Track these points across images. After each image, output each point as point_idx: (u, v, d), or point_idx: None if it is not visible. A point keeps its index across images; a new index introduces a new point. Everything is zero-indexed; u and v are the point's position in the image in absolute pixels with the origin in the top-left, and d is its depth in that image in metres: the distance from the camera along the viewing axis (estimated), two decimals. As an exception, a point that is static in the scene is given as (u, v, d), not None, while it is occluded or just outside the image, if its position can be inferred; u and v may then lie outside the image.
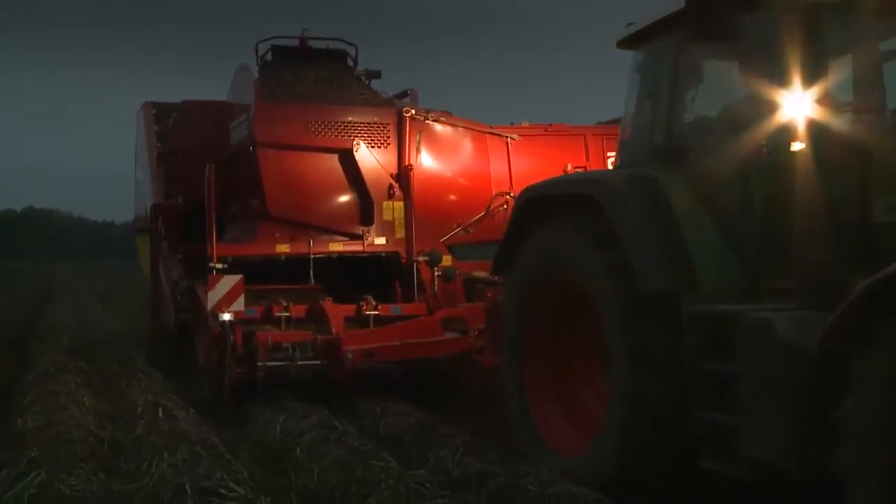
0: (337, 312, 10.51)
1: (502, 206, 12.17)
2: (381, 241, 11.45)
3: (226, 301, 10.09)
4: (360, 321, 10.72)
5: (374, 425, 8.91)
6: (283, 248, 11.19)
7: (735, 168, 6.07)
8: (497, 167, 12.34)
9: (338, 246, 11.35)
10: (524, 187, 7.72)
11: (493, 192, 12.24)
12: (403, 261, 11.50)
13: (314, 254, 11.20)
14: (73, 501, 6.11)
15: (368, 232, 11.41)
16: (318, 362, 10.04)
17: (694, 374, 5.67)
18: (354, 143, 11.27)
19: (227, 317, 9.99)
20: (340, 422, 8.53)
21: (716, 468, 5.51)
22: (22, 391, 10.65)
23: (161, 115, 15.44)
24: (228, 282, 10.21)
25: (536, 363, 7.31)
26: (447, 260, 11.59)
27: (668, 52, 6.65)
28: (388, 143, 11.58)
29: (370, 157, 11.37)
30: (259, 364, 9.82)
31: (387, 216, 11.44)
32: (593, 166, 12.58)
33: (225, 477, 6.39)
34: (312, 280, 11.14)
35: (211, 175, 10.93)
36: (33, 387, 10.70)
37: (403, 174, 11.52)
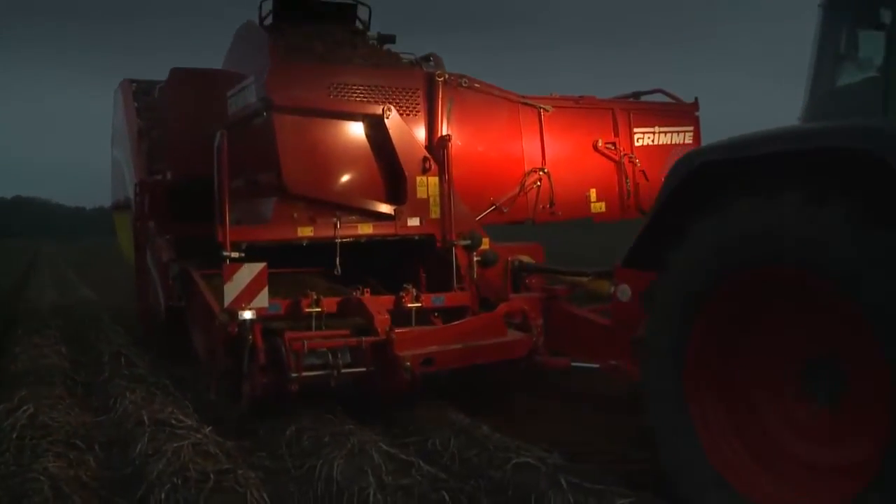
0: (380, 308, 7.13)
1: (536, 182, 9.14)
2: (414, 221, 7.99)
3: (246, 295, 6.61)
4: (402, 315, 7.27)
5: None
6: (306, 232, 7.62)
7: None
8: (529, 141, 9.19)
9: (367, 228, 7.83)
10: (690, 153, 4.57)
11: (526, 168, 9.09)
12: (439, 244, 8.05)
13: (341, 238, 7.66)
14: (55, 430, 6.22)
15: (401, 212, 7.94)
16: (363, 370, 6.65)
17: None
18: (385, 108, 7.81)
19: (248, 315, 6.49)
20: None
21: None
22: (12, 342, 10.86)
23: (141, 91, 12.12)
24: (249, 271, 6.69)
25: (707, 384, 4.49)
26: (485, 243, 8.21)
27: None
28: (418, 111, 8.28)
29: (402, 126, 7.95)
30: (293, 375, 6.37)
31: (420, 193, 8.02)
32: (622, 142, 9.72)
33: (175, 411, 6.66)
34: (339, 269, 7.60)
35: (223, 142, 7.28)
36: (21, 339, 10.96)
37: (439, 146, 8.17)
